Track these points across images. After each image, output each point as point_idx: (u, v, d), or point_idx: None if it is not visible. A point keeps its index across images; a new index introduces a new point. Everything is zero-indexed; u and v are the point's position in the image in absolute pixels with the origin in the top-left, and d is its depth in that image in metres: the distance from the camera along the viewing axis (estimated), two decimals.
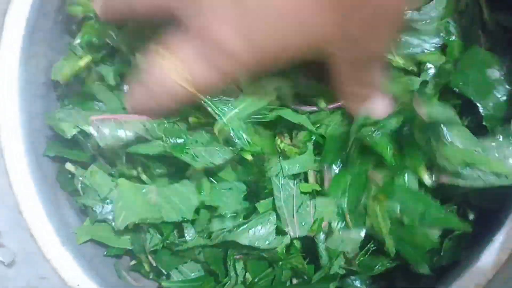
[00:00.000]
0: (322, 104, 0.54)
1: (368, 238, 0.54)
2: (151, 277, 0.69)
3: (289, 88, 0.53)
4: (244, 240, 0.55)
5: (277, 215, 0.55)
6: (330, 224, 0.53)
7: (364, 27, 0.36)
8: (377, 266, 0.55)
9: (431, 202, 0.51)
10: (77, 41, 0.66)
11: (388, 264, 0.55)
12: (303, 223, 0.54)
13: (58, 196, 0.66)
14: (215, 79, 0.40)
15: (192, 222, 0.59)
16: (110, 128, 0.52)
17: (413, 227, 0.51)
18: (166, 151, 0.52)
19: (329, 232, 0.54)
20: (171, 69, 0.40)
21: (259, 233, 0.55)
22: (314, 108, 0.55)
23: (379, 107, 0.49)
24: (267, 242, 0.55)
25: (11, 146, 0.60)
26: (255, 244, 0.55)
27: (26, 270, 0.57)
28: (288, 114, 0.52)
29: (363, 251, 0.55)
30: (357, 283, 0.60)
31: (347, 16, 0.35)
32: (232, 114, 0.50)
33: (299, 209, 0.54)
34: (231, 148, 0.52)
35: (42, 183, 0.63)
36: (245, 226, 0.55)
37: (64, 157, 0.67)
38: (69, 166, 0.66)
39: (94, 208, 0.62)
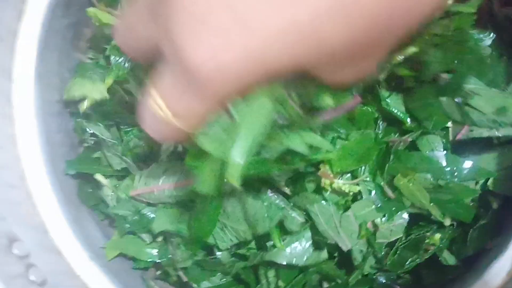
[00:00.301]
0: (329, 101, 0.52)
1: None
2: (175, 285, 0.70)
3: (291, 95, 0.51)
4: (281, 259, 0.55)
5: (312, 229, 0.55)
6: (373, 222, 0.54)
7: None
8: (407, 263, 0.56)
9: (459, 158, 0.53)
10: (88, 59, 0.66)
11: (418, 260, 0.56)
12: (350, 234, 0.54)
13: (81, 213, 0.67)
14: (199, 109, 0.33)
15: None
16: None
17: (450, 186, 0.53)
18: None
19: (375, 229, 0.55)
20: (155, 108, 0.34)
21: (295, 251, 0.55)
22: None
23: None
24: (305, 259, 0.55)
25: (33, 168, 0.60)
26: (293, 262, 0.55)
27: None
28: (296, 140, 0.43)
29: (393, 250, 0.56)
30: (383, 279, 0.61)
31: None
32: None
33: (341, 223, 0.54)
34: None
35: (65, 201, 0.63)
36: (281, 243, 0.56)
37: (85, 173, 0.67)
38: (99, 177, 0.66)
39: (126, 219, 0.62)
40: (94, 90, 0.65)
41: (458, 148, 0.55)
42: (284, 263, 0.55)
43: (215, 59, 0.29)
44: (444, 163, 0.53)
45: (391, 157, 0.53)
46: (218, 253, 0.61)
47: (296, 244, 0.56)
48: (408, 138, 0.53)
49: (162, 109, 0.34)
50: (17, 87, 0.60)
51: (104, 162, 0.68)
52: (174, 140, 0.39)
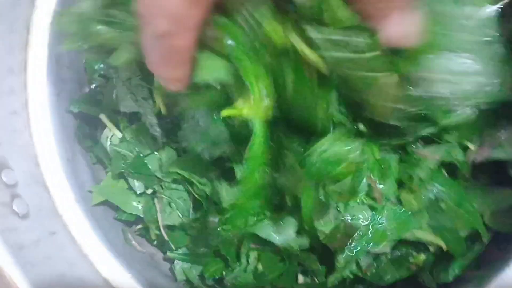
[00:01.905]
0: None
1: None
2: (155, 243, 0.69)
3: None
4: (263, 233, 0.55)
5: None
6: None
7: None
8: (388, 277, 0.56)
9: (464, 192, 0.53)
10: None
11: (398, 277, 0.56)
12: None
13: (75, 153, 0.65)
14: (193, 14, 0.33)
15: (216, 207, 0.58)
16: None
17: (452, 211, 0.53)
18: None
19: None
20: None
21: (279, 230, 0.55)
22: None
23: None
24: (285, 240, 0.55)
25: (37, 97, 0.59)
26: (272, 239, 0.55)
27: (38, 224, 0.56)
28: None
29: (377, 262, 0.56)
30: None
31: None
32: None
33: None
34: None
35: (62, 138, 0.61)
36: (268, 221, 0.55)
37: (86, 114, 0.65)
38: (103, 117, 0.65)
39: (124, 159, 0.63)
40: None
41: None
42: (264, 237, 0.55)
43: None
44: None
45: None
46: (210, 219, 0.60)
47: (280, 225, 0.56)
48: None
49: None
50: (37, 13, 0.58)
51: (110, 105, 0.66)
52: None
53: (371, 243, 0.50)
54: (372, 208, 0.51)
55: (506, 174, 0.55)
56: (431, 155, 0.54)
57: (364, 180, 0.49)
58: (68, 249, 0.57)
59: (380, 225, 0.49)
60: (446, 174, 0.55)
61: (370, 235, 0.49)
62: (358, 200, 0.50)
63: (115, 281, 0.57)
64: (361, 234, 0.50)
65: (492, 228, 0.56)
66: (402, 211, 0.52)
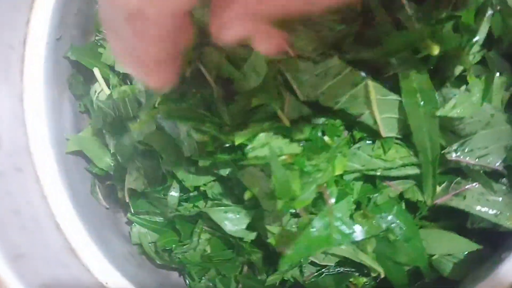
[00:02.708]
0: None
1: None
2: (120, 201, 0.71)
3: None
4: (216, 218, 0.57)
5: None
6: None
7: None
8: None
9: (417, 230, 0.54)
10: None
11: None
12: None
13: (63, 98, 0.67)
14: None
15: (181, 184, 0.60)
16: None
17: (398, 244, 0.53)
18: None
19: None
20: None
21: (231, 218, 0.56)
22: None
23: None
24: (234, 229, 0.56)
25: (36, 35, 0.60)
26: (223, 226, 0.56)
27: (6, 157, 0.57)
28: None
29: (318, 273, 0.57)
30: None
31: None
32: None
33: None
34: None
35: (53, 81, 0.63)
36: (224, 207, 0.57)
37: (82, 65, 0.67)
38: (96, 71, 0.67)
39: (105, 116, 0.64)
40: None
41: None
42: (216, 221, 0.57)
43: None
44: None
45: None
46: (171, 193, 0.62)
47: (236, 214, 0.58)
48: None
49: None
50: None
51: (108, 60, 0.67)
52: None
53: (309, 249, 0.51)
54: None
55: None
56: (395, 186, 0.54)
57: (313, 187, 0.49)
58: (30, 188, 0.58)
59: (315, 234, 0.49)
60: (405, 208, 0.55)
61: (307, 242, 0.50)
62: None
63: (67, 229, 0.58)
64: (300, 239, 0.50)
65: (438, 270, 0.57)
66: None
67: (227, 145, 0.53)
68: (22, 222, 0.56)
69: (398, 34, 0.44)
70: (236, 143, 0.50)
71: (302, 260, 0.56)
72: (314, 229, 0.48)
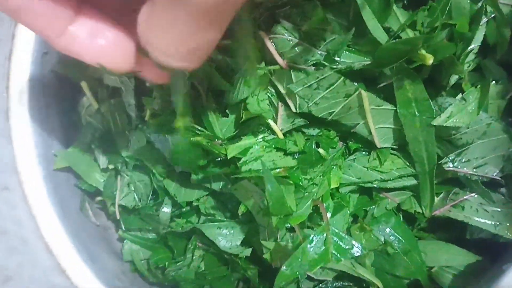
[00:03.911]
0: None
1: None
2: (111, 218, 0.70)
3: None
4: (210, 234, 0.55)
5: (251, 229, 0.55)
6: None
7: None
8: None
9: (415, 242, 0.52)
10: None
11: None
12: None
13: (50, 110, 0.65)
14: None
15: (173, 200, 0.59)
16: None
17: (397, 258, 0.52)
18: None
19: None
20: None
21: (225, 234, 0.55)
22: None
23: None
24: (228, 245, 0.55)
25: (21, 51, 0.59)
26: (217, 242, 0.55)
27: None
28: None
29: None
30: None
31: None
32: None
33: None
34: None
35: (38, 97, 0.61)
36: (217, 223, 0.56)
37: (70, 79, 0.65)
38: (84, 85, 0.65)
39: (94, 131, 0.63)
40: None
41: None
42: (210, 237, 0.56)
43: None
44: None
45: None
46: (163, 209, 0.61)
47: (230, 230, 0.57)
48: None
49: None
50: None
51: (96, 74, 0.66)
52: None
53: (306, 266, 0.50)
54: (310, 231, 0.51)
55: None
56: (392, 197, 0.53)
57: (309, 202, 0.48)
58: (17, 208, 0.57)
59: (311, 250, 0.48)
60: (402, 220, 0.54)
61: (304, 258, 0.49)
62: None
63: (57, 249, 0.57)
64: (296, 255, 0.49)
65: (438, 283, 0.56)
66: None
67: (220, 158, 0.52)
68: (10, 243, 0.55)
69: (390, 44, 0.43)
70: (229, 156, 0.49)
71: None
72: (311, 246, 0.47)
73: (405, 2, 0.49)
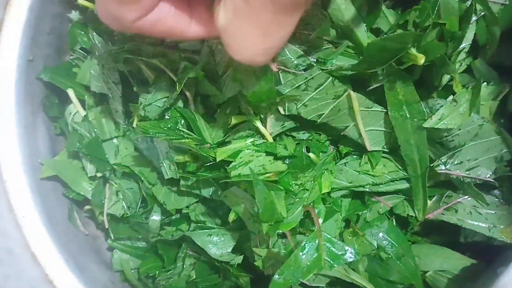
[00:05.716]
0: None
1: None
2: (100, 227, 0.69)
3: None
4: (200, 241, 0.54)
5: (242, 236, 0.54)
6: None
7: None
8: None
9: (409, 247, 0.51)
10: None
11: None
12: None
13: (37, 120, 0.64)
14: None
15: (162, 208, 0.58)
16: None
17: (390, 263, 0.51)
18: None
19: None
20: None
21: (216, 242, 0.54)
22: None
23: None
24: (219, 253, 0.54)
25: (5, 60, 0.58)
26: (208, 249, 0.54)
27: None
28: None
29: None
30: None
31: None
32: None
33: None
34: None
35: (25, 102, 0.60)
36: (207, 230, 0.55)
37: (56, 86, 0.64)
38: (70, 92, 0.64)
39: (81, 138, 0.62)
40: None
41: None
42: (200, 245, 0.55)
43: None
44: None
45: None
46: (152, 217, 0.59)
47: (221, 237, 0.56)
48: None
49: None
50: None
51: (83, 80, 0.65)
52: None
53: (299, 274, 0.48)
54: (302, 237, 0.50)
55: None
56: (384, 201, 0.53)
57: (300, 208, 0.47)
58: (3, 218, 0.55)
59: (304, 258, 0.47)
60: (395, 224, 0.53)
61: (297, 266, 0.48)
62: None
63: (44, 259, 0.55)
64: (288, 263, 0.48)
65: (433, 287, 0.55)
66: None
67: (209, 163, 0.51)
68: None
69: (379, 40, 0.42)
70: (218, 159, 0.49)
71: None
72: (303, 254, 0.46)
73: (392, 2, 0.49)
